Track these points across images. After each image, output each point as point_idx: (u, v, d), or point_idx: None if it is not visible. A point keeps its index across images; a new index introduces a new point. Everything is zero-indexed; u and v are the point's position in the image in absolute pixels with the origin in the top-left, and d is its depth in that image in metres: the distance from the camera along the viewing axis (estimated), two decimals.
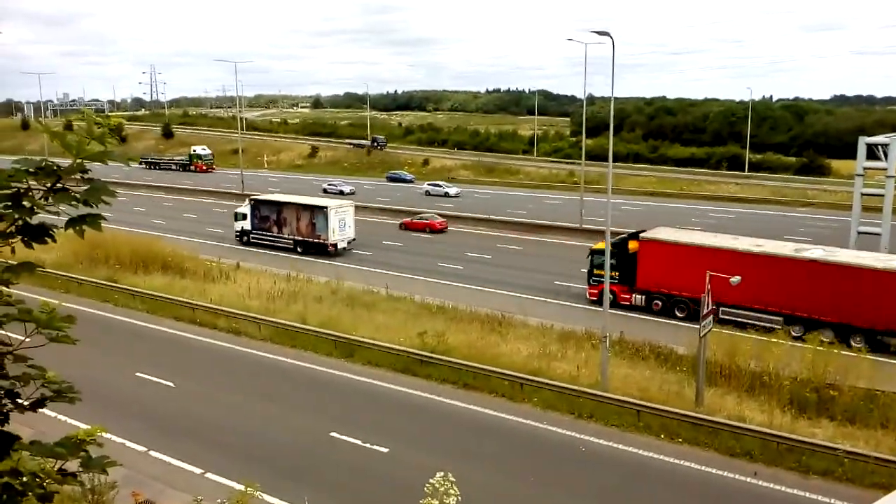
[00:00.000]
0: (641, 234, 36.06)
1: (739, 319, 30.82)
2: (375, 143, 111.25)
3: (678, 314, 33.31)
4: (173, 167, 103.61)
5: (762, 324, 30.24)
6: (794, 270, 31.02)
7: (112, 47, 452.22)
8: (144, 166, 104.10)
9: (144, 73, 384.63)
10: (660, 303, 34.20)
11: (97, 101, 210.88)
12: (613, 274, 33.30)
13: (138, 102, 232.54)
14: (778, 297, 30.91)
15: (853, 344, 28.11)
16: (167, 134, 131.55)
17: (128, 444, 20.19)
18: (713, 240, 34.74)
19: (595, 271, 34.92)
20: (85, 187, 2.94)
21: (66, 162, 2.97)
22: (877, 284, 29.02)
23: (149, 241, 45.58)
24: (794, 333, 28.58)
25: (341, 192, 74.85)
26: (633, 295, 35.03)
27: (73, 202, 2.90)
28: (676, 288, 33.36)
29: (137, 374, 25.97)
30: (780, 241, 36.58)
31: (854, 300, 29.26)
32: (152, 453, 20.05)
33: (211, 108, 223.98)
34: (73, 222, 2.91)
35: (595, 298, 34.43)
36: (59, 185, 2.89)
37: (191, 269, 40.76)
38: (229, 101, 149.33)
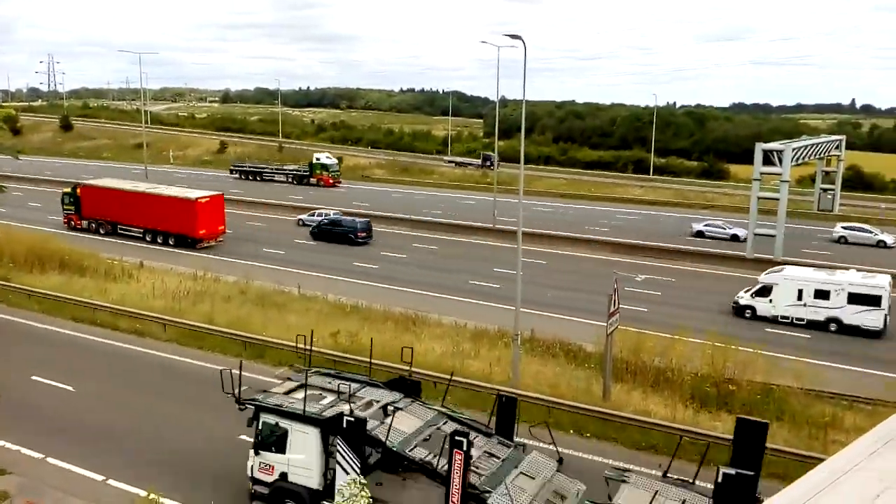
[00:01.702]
0: (82, 182, 54.77)
1: (129, 233, 50.11)
2: (488, 162, 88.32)
3: (102, 232, 51.12)
4: (284, 178, 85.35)
5: (135, 234, 49.79)
6: (140, 201, 50.02)
7: (7, 35, 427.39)
8: (238, 176, 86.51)
9: (42, 63, 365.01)
10: (95, 226, 51.67)
11: None
12: (71, 208, 52.61)
13: (35, 93, 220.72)
14: (139, 217, 49.85)
15: (170, 242, 47.98)
16: (66, 126, 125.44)
17: (23, 450, 19.16)
18: (114, 183, 55.13)
19: (64, 208, 53.21)
20: None
21: None
22: (170, 206, 48.36)
23: (44, 237, 43.31)
24: (148, 238, 48.85)
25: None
26: (82, 221, 52.37)
27: None
28: (102, 216, 51.41)
29: (33, 377, 24.55)
30: (153, 184, 56.09)
31: (160, 215, 48.59)
32: (50, 460, 18.99)
33: (113, 99, 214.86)
34: None
35: (66, 223, 52.83)
36: None
37: (91, 267, 38.91)
38: (133, 93, 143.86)
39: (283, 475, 15.86)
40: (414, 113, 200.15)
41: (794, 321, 33.84)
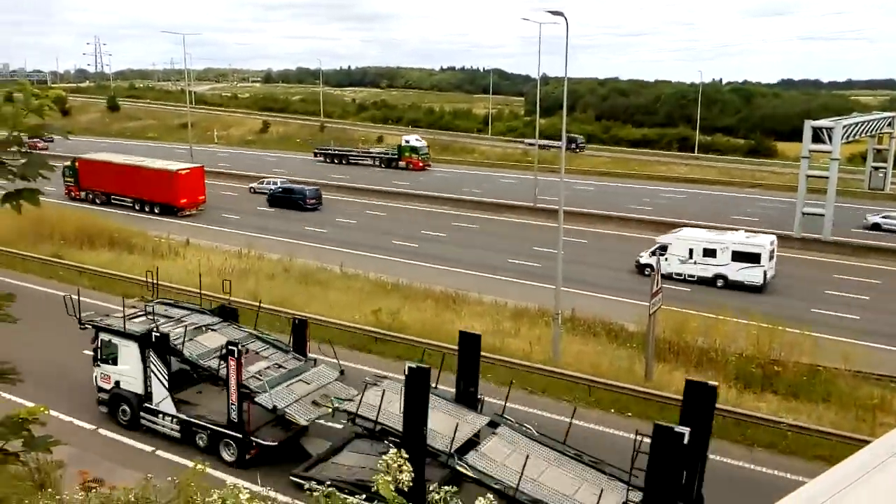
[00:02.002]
0: (80, 156, 58.42)
1: (121, 203, 53.78)
2: (573, 144, 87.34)
3: (98, 202, 54.80)
4: (370, 162, 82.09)
5: (126, 203, 53.59)
6: (129, 173, 53.79)
7: (56, 17, 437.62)
8: (322, 159, 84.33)
9: (89, 45, 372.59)
10: (91, 196, 55.30)
11: (39, 72, 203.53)
12: (71, 180, 56.49)
13: (82, 74, 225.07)
14: (128, 188, 53.82)
15: (155, 210, 52.01)
16: (113, 107, 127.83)
17: (76, 422, 19.81)
18: (108, 157, 59.00)
19: (65, 180, 56.59)
20: (22, 161, 2.81)
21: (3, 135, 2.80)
22: (155, 178, 52.58)
23: (94, 216, 44.49)
24: (137, 207, 52.94)
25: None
26: (80, 192, 55.87)
27: (10, 176, 2.76)
28: (97, 187, 55.23)
29: (85, 351, 25.32)
30: (141, 157, 60.26)
31: (146, 186, 52.73)
32: (101, 431, 19.69)
33: (158, 81, 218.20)
34: (9, 197, 2.78)
35: (66, 194, 56.19)
36: None
37: (138, 244, 39.87)
38: (177, 74, 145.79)
39: (118, 383, 19.86)
40: (454, 91, 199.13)
41: (687, 277, 36.27)
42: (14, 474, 14.09)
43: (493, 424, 17.16)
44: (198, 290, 25.01)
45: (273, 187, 58.57)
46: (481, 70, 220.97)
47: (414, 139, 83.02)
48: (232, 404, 17.71)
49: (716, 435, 19.75)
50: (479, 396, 18.22)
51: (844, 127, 46.92)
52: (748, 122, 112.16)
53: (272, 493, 12.31)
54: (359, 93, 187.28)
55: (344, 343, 26.19)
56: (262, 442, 17.69)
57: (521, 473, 14.33)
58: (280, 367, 19.37)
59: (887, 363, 24.70)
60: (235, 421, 17.72)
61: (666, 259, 35.89)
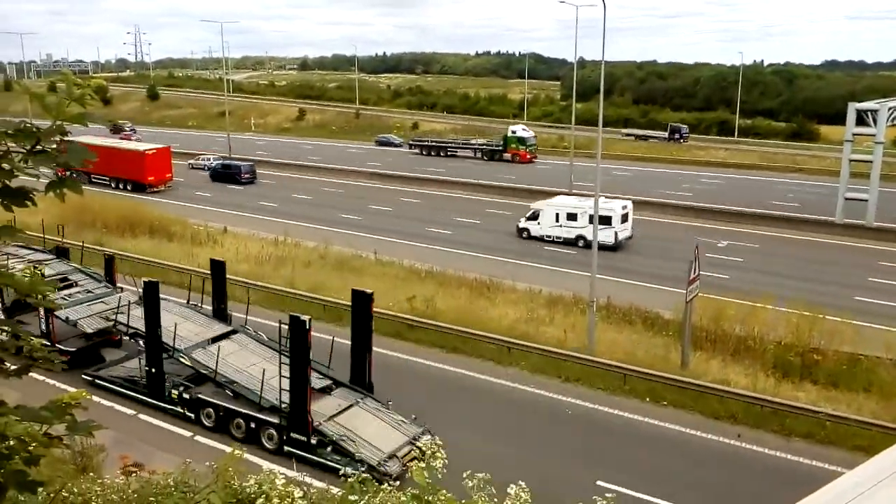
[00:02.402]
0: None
1: (99, 181, 55.46)
2: (677, 135, 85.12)
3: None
4: (471, 154, 76.99)
5: (104, 182, 55.52)
6: (106, 154, 53.95)
7: (96, 6, 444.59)
8: (418, 151, 79.55)
9: (129, 34, 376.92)
10: (75, 175, 58.50)
11: (81, 61, 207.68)
12: None
13: (123, 63, 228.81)
14: (106, 167, 55.16)
15: (128, 188, 56.54)
16: (153, 96, 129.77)
17: (116, 407, 20.30)
18: (87, 139, 53.01)
19: None
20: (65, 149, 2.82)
21: (47, 124, 2.90)
22: (127, 158, 56.56)
23: (134, 204, 45.34)
24: (112, 185, 56.27)
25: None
26: (65, 172, 57.85)
27: (53, 165, 2.80)
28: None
29: (125, 338, 25.93)
30: (117, 140, 69.03)
31: (120, 165, 55.79)
32: (141, 416, 20.15)
33: (197, 69, 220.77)
34: (53, 185, 2.83)
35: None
36: (38, 147, 2.78)
37: (178, 232, 40.55)
38: (215, 62, 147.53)
39: None
40: (490, 76, 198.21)
41: (555, 239, 41.05)
42: (58, 458, 14.56)
43: (234, 332, 22.00)
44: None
45: (213, 163, 64.93)
46: (517, 54, 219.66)
47: (521, 129, 77.58)
48: (41, 318, 22.64)
49: (753, 425, 19.68)
50: (228, 313, 23.76)
51: (890, 109, 45.54)
52: (790, 104, 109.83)
53: (308, 479, 12.45)
54: (394, 79, 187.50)
55: (378, 331, 26.45)
56: (63, 349, 21.27)
57: (217, 360, 19.34)
58: (88, 292, 24.38)
59: None
60: (45, 332, 22.19)
61: (539, 223, 41.86)
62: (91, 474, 15.02)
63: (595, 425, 20.05)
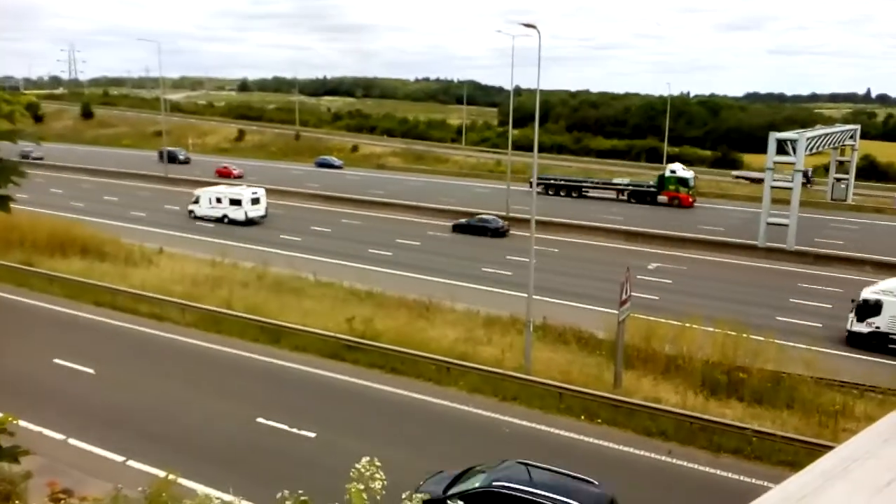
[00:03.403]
0: None
1: None
2: (806, 179, 63.05)
3: None
4: (614, 195, 67.90)
5: None
6: None
7: (30, 23, 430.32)
8: (541, 190, 64.70)
9: (63, 51, 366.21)
10: None
11: (11, 77, 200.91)
12: None
13: (56, 81, 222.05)
14: None
15: None
16: (87, 114, 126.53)
17: (45, 432, 19.61)
18: None
19: None
20: None
21: None
22: None
23: (67, 224, 43.99)
24: None
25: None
26: None
27: None
28: None
29: (55, 360, 25.14)
30: None
31: None
32: (71, 441, 19.55)
33: (133, 88, 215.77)
34: None
35: None
36: None
37: (111, 252, 39.50)
38: (152, 81, 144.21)
39: None
40: (429, 102, 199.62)
41: (209, 218, 52.11)
42: None
43: None
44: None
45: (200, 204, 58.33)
46: (456, 81, 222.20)
47: (680, 168, 67.75)
48: None
49: (683, 441, 20.30)
50: None
51: (808, 139, 48.01)
52: (715, 133, 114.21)
53: (244, 503, 12.36)
54: (334, 102, 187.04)
55: (315, 352, 26.34)
56: None
57: None
58: None
59: (846, 371, 25.28)
60: None
61: (199, 205, 53.10)
62: (16, 502, 14.56)
63: (532, 443, 20.36)
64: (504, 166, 72.91)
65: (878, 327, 29.01)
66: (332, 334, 26.80)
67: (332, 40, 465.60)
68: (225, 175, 76.10)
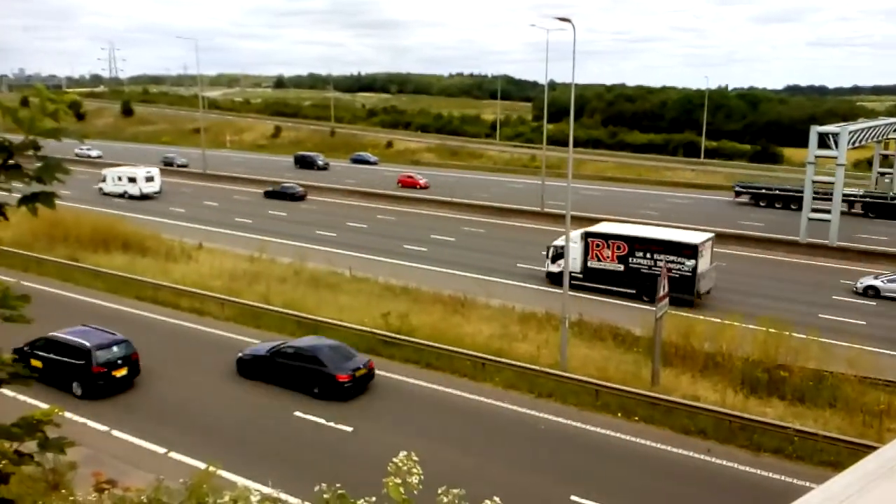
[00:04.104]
0: None
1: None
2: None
3: None
4: (845, 208, 53.27)
5: None
6: None
7: (71, 23, 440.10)
8: (747, 200, 61.36)
9: (103, 50, 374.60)
10: None
11: (55, 76, 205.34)
12: None
13: (97, 79, 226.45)
14: None
15: None
16: (127, 111, 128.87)
17: (90, 423, 20.09)
18: None
19: None
20: (38, 164, 2.83)
21: (20, 138, 2.84)
22: None
23: (110, 220, 44.88)
24: None
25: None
26: None
27: (26, 179, 2.78)
28: None
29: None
30: None
31: None
32: (115, 433, 19.97)
33: (171, 86, 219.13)
34: (25, 200, 2.81)
35: None
36: (10, 161, 2.79)
37: (152, 248, 40.22)
38: (190, 79, 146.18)
39: None
40: (462, 97, 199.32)
41: (114, 194, 60.73)
42: (29, 475, 14.42)
43: None
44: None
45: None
46: (489, 76, 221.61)
47: None
48: None
49: (723, 440, 20.04)
50: None
51: (851, 132, 46.85)
52: (754, 127, 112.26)
53: (283, 495, 12.52)
54: (368, 98, 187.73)
55: (353, 346, 26.49)
56: None
57: None
58: None
59: (892, 370, 24.69)
60: None
61: (106, 183, 61.88)
62: (63, 491, 14.93)
63: (568, 440, 20.28)
64: (539, 161, 72.58)
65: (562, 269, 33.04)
66: (368, 329, 26.96)
67: (365, 36, 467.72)
68: (410, 185, 69.69)
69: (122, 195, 60.31)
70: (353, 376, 22.38)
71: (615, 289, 34.91)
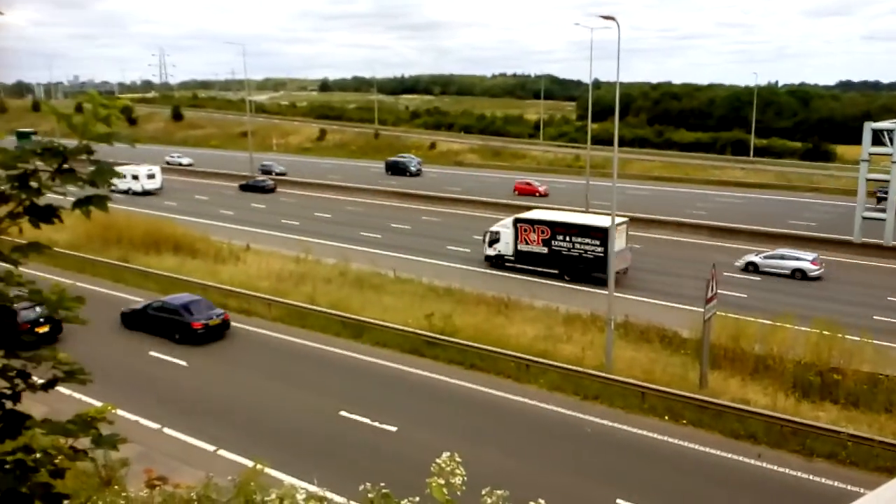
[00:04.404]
0: None
1: None
2: None
3: None
4: None
5: None
6: None
7: (123, 30, 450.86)
8: None
9: (154, 56, 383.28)
10: None
11: (107, 83, 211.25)
12: None
13: (148, 85, 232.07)
14: None
15: None
16: (176, 116, 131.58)
17: (142, 421, 20.56)
18: None
19: None
20: (91, 168, 2.89)
21: (74, 143, 2.93)
22: None
23: (160, 222, 45.91)
24: None
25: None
26: None
27: (80, 183, 2.85)
28: None
29: (151, 352, 26.33)
30: None
31: None
32: (166, 430, 20.42)
33: (220, 90, 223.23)
34: (79, 203, 2.89)
35: None
36: (65, 165, 2.86)
37: (201, 250, 41.01)
38: (238, 83, 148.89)
39: None
40: (506, 97, 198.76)
41: (118, 190, 59.31)
42: (83, 471, 14.79)
43: None
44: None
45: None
46: (532, 76, 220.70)
47: None
48: None
49: (774, 444, 19.61)
50: None
51: None
52: (805, 124, 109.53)
53: (328, 494, 12.63)
54: (412, 100, 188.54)
55: (396, 347, 26.68)
56: None
57: None
58: None
59: None
60: None
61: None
62: (115, 487, 15.29)
63: (614, 443, 20.06)
64: (583, 161, 71.99)
65: (499, 251, 39.85)
66: (412, 330, 27.08)
67: (409, 38, 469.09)
68: (528, 193, 65.23)
69: (125, 191, 62.72)
70: (206, 325, 27.09)
71: (542, 269, 38.00)
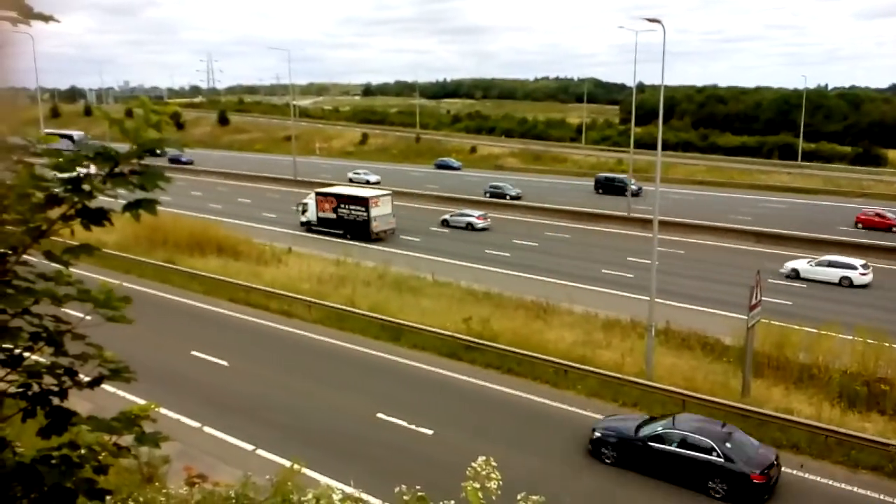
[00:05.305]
0: None
1: None
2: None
3: None
4: None
5: None
6: None
7: (172, 36, 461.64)
8: None
9: (202, 62, 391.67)
10: None
11: (156, 88, 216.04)
12: None
13: (196, 90, 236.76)
14: None
15: None
16: (223, 121, 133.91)
17: (183, 419, 20.91)
18: None
19: None
20: (142, 173, 2.95)
21: (125, 148, 3.06)
22: None
23: (204, 224, 46.76)
24: None
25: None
26: None
27: (130, 187, 2.92)
28: None
29: (193, 352, 26.81)
30: None
31: None
32: (206, 429, 20.75)
33: (265, 95, 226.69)
34: (129, 206, 2.96)
35: None
36: (116, 170, 2.92)
37: (244, 252, 41.69)
38: (283, 88, 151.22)
39: None
40: (548, 101, 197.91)
41: None
42: (126, 467, 15.14)
43: None
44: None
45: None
46: (575, 79, 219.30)
47: None
48: None
49: (817, 455, 19.16)
50: None
51: None
52: (856, 128, 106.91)
53: (364, 495, 12.71)
54: (453, 104, 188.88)
55: (434, 350, 26.75)
56: None
57: None
58: None
59: None
60: None
61: None
62: (156, 484, 15.56)
63: None
64: (626, 165, 71.32)
65: (308, 219, 50.54)
66: (450, 333, 27.11)
67: (451, 42, 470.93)
68: (877, 227, 51.55)
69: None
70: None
71: (334, 231, 48.67)
